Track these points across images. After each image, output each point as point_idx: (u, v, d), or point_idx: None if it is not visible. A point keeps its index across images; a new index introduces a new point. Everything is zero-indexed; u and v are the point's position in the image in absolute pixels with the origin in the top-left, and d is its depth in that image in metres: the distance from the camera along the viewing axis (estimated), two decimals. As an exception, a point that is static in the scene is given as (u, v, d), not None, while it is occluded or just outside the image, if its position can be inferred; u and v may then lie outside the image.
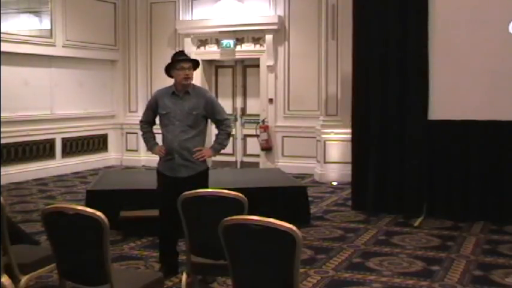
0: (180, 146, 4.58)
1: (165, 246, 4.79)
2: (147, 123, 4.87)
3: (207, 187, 4.50)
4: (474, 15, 6.68)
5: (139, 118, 4.98)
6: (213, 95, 4.89)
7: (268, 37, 10.57)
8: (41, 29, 10.20)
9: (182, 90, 4.64)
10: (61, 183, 9.58)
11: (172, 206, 4.15)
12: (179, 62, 4.60)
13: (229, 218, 2.67)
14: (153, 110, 4.79)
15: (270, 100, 10.79)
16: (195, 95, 4.65)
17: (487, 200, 6.72)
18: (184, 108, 4.59)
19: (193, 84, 4.74)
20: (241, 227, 2.63)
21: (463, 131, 6.75)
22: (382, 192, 7.07)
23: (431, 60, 6.83)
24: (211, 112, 4.70)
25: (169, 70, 4.69)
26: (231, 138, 11.13)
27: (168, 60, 4.74)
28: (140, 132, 4.96)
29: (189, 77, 4.59)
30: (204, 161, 4.73)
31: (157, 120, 4.86)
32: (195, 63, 4.70)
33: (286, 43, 10.63)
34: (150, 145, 4.84)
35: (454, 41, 6.78)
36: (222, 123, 4.73)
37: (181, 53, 4.89)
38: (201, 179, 4.62)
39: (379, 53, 7.07)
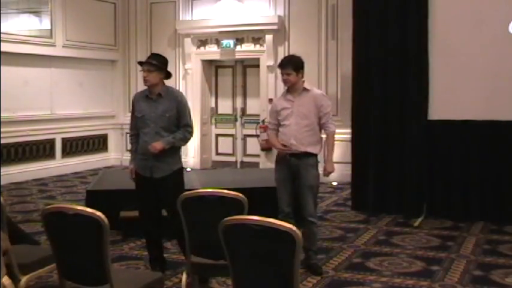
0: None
1: (151, 246, 4.84)
2: (135, 132, 4.79)
3: (183, 184, 4.65)
4: (474, 15, 6.69)
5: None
6: (186, 99, 4.86)
7: (268, 37, 10.56)
8: (41, 29, 10.19)
9: (154, 92, 4.64)
10: (61, 183, 9.58)
11: (152, 205, 4.57)
12: (141, 65, 4.66)
13: (229, 218, 2.67)
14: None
15: (270, 100, 10.73)
16: (167, 97, 4.65)
17: (487, 200, 6.72)
18: (158, 111, 4.61)
19: (167, 87, 4.74)
20: (241, 227, 2.63)
21: (463, 131, 6.75)
22: (382, 192, 7.08)
23: (431, 60, 6.84)
24: (179, 115, 4.66)
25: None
26: (230, 138, 11.41)
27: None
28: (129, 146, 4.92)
29: (146, 80, 4.60)
30: (179, 160, 4.76)
31: None
32: (157, 67, 4.59)
33: (286, 43, 10.61)
34: (131, 159, 4.84)
35: (454, 42, 6.78)
36: (185, 126, 4.67)
37: (151, 55, 4.79)
38: (177, 177, 4.69)
39: (379, 53, 7.07)
